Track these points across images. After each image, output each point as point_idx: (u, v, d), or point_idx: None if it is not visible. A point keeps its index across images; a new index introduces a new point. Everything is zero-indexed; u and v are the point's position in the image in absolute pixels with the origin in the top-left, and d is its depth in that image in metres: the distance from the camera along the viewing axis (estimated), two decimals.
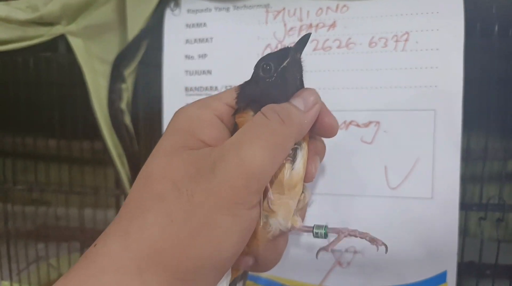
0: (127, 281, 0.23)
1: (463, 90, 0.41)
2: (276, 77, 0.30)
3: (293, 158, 0.29)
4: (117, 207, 0.62)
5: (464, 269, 0.45)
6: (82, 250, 0.64)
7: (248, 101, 0.30)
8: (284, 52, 0.30)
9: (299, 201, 0.31)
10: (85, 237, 0.64)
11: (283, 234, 0.31)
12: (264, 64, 0.30)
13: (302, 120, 0.28)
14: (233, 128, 0.30)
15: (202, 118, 0.29)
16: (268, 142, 0.25)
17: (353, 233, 0.31)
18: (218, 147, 0.26)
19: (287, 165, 0.29)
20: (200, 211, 0.24)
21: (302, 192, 0.31)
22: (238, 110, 0.30)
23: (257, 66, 0.31)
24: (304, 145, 0.30)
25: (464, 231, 0.45)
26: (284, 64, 0.30)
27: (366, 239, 0.31)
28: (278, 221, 0.29)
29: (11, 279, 0.66)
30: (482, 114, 0.43)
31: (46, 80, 0.62)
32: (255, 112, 0.28)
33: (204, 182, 0.24)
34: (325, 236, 0.31)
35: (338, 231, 0.31)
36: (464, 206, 0.45)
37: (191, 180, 0.25)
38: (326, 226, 0.31)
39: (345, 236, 0.31)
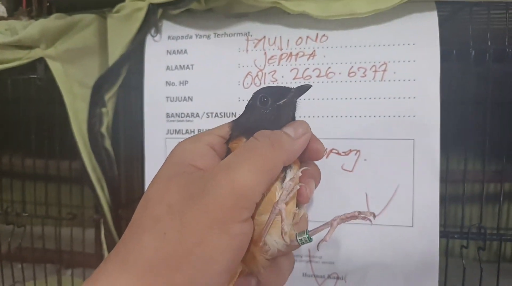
0: None
1: (440, 118, 0.42)
2: (271, 111, 0.32)
3: (283, 178, 0.30)
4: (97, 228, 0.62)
5: None
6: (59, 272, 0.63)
7: (241, 130, 0.32)
8: (283, 91, 0.32)
9: (294, 215, 0.31)
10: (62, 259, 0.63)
11: (284, 255, 0.32)
12: (262, 96, 0.32)
13: (291, 146, 0.30)
14: (226, 155, 0.31)
15: (195, 150, 0.31)
16: (257, 164, 0.27)
17: (344, 218, 0.32)
18: (210, 170, 0.28)
19: (277, 185, 0.30)
20: (192, 230, 0.25)
21: (297, 207, 0.32)
22: (231, 138, 0.32)
23: (255, 96, 0.33)
24: (294, 167, 0.31)
25: (446, 258, 0.46)
26: (281, 102, 0.32)
27: (358, 217, 0.32)
28: (274, 240, 0.29)
29: None
30: (460, 139, 0.44)
31: (24, 98, 0.61)
32: (248, 139, 0.30)
33: (196, 202, 0.26)
34: (309, 239, 0.31)
35: (329, 224, 0.32)
36: (446, 233, 0.45)
37: (184, 201, 0.26)
38: (307, 230, 0.31)
39: (339, 224, 0.32)
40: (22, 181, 0.65)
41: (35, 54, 0.58)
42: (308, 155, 0.33)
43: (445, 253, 0.46)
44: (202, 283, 0.25)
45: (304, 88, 0.32)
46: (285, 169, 0.30)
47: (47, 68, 0.57)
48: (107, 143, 0.57)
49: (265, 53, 0.47)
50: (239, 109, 0.35)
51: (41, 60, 0.58)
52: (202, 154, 0.31)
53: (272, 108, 0.32)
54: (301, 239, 0.31)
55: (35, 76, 0.59)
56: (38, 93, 0.60)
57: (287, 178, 0.30)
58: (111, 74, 0.53)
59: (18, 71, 0.59)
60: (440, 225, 0.43)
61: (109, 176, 0.56)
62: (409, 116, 0.43)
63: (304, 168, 0.31)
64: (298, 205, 0.32)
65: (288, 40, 0.46)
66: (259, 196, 0.27)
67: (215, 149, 0.32)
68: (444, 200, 0.45)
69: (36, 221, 0.64)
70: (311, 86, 0.32)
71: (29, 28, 0.57)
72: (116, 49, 0.53)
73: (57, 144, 0.60)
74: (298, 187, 0.30)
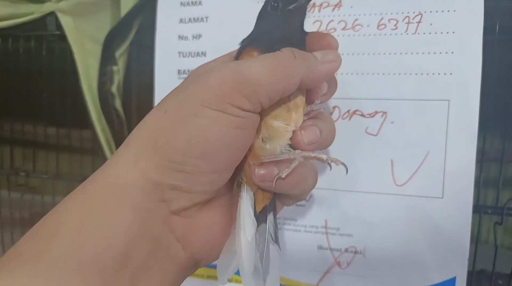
0: (126, 170, 0.25)
1: (482, 78, 0.37)
2: (281, 16, 0.30)
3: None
4: None
5: (475, 277, 0.41)
6: None
7: (251, 40, 0.31)
8: None
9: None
10: None
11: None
12: (273, 2, 0.30)
13: (315, 65, 0.28)
14: None
15: (209, 65, 0.31)
16: (273, 63, 0.26)
17: (307, 157, 0.28)
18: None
19: (299, 97, 0.29)
20: (191, 102, 0.25)
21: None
22: (240, 51, 0.31)
23: (266, 2, 0.31)
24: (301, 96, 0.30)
25: (476, 236, 0.41)
26: (291, 7, 0.30)
27: (325, 161, 0.29)
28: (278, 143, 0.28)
29: None
30: (500, 111, 0.39)
31: (35, 59, 0.59)
32: (256, 45, 0.30)
33: (199, 78, 0.26)
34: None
35: (291, 158, 0.28)
36: (478, 208, 0.41)
37: (190, 81, 0.27)
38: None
39: (299, 161, 0.28)
40: (33, 149, 0.63)
41: (47, 8, 0.56)
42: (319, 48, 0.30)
43: (477, 229, 0.42)
44: (198, 151, 0.25)
45: None
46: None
47: (58, 24, 0.55)
48: (118, 104, 0.55)
49: None
50: None
51: (52, 16, 0.56)
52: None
53: (282, 13, 0.30)
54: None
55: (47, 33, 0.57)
56: (50, 51, 0.58)
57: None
58: (123, 28, 0.51)
59: (30, 27, 0.57)
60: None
61: (119, 138, 0.54)
62: (445, 73, 0.38)
63: (312, 108, 0.30)
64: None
65: None
66: (265, 96, 0.26)
67: None
68: (480, 171, 0.40)
69: (47, 185, 0.62)
70: None
71: None
72: (128, 1, 0.50)
73: (69, 110, 0.58)
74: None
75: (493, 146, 0.42)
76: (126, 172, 0.25)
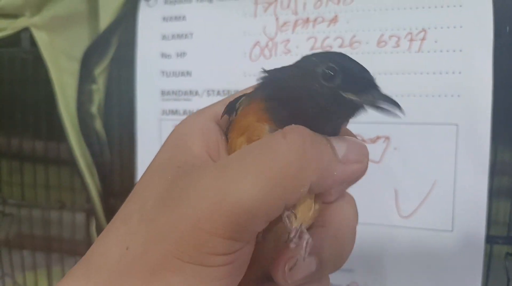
0: None
1: (493, 100, 0.34)
2: (329, 94, 0.20)
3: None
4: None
5: None
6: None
7: (271, 88, 0.22)
8: (365, 80, 0.20)
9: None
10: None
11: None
12: (332, 67, 0.20)
13: (331, 168, 0.20)
14: (227, 129, 0.23)
15: (195, 126, 0.23)
16: (269, 179, 0.18)
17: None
18: (200, 167, 0.21)
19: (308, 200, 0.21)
20: (158, 248, 0.19)
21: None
22: (241, 100, 0.22)
23: (321, 59, 0.21)
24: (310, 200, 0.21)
25: (488, 268, 0.38)
26: (353, 97, 0.20)
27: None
28: None
29: None
30: None
31: (9, 77, 0.55)
32: (269, 107, 0.21)
33: (170, 209, 0.19)
34: None
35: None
36: (489, 238, 0.38)
37: (159, 204, 0.20)
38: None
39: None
40: (8, 163, 0.59)
41: (20, 23, 0.52)
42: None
43: (488, 261, 0.39)
44: None
45: (391, 104, 0.20)
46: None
47: (33, 40, 0.51)
48: (98, 125, 0.51)
49: (276, 18, 0.40)
50: (245, 86, 0.25)
51: (27, 31, 0.52)
52: (203, 133, 0.23)
53: (333, 91, 0.20)
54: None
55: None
56: (24, 68, 0.54)
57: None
58: (101, 44, 0.47)
59: (3, 44, 0.54)
60: None
61: (100, 162, 0.51)
62: (452, 95, 0.35)
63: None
64: None
65: (304, 3, 0.39)
66: (262, 225, 0.19)
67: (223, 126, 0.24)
68: (490, 199, 0.37)
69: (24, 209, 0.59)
70: (400, 110, 0.20)
71: None
72: (106, 15, 0.46)
73: (45, 125, 0.54)
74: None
75: (507, 169, 0.38)
76: None
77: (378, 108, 0.20)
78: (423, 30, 0.36)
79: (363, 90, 0.20)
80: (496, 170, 0.36)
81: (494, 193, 0.37)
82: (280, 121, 0.20)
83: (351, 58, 0.21)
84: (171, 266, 0.18)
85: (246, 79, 0.40)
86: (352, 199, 0.24)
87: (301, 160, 0.18)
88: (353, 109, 0.20)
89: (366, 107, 0.20)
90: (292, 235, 0.19)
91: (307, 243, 0.19)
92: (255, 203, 0.18)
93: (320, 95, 0.20)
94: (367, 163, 0.21)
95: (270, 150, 0.19)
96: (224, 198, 0.18)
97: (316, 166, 0.19)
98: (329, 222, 0.22)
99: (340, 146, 0.20)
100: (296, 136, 0.19)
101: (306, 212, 0.21)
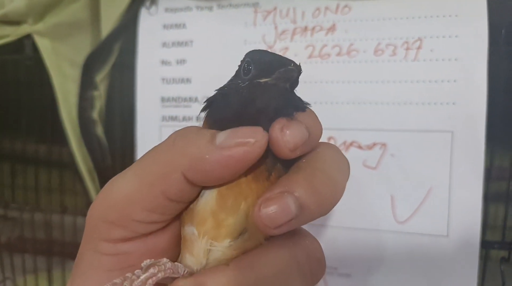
0: None
1: (487, 108, 0.34)
2: (246, 88, 0.22)
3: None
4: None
5: None
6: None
7: (214, 101, 0.24)
8: (278, 65, 0.21)
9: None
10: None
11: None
12: (248, 61, 0.22)
13: (202, 153, 0.20)
14: None
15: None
16: (144, 169, 0.21)
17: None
18: None
19: (209, 193, 0.21)
20: (80, 247, 0.23)
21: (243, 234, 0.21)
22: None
23: (244, 58, 0.23)
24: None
25: (483, 273, 0.39)
26: (262, 81, 0.21)
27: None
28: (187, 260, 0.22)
29: None
30: (509, 136, 0.37)
31: (12, 81, 0.56)
32: (209, 114, 0.23)
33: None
34: None
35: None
36: (484, 244, 0.38)
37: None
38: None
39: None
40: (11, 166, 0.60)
41: (23, 30, 0.53)
42: (275, 152, 0.21)
43: (483, 265, 0.39)
44: None
45: (287, 73, 0.21)
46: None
47: (35, 47, 0.52)
48: (99, 130, 0.52)
49: (275, 27, 0.40)
50: None
51: (29, 38, 0.53)
52: None
53: (251, 81, 0.22)
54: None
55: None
56: (27, 74, 0.55)
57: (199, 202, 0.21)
58: (103, 50, 0.48)
59: (5, 50, 0.54)
60: None
61: (101, 167, 0.51)
62: (447, 103, 0.35)
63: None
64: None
65: (303, 12, 0.39)
66: (140, 212, 0.21)
67: None
68: (485, 204, 0.37)
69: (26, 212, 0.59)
70: (300, 72, 0.22)
71: (15, 1, 0.52)
72: (108, 23, 0.47)
73: (48, 131, 0.55)
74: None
75: (502, 175, 0.39)
76: None
77: (285, 78, 0.21)
78: (419, 39, 0.36)
79: (274, 72, 0.21)
80: (491, 176, 0.37)
81: (489, 199, 0.38)
82: (215, 125, 0.22)
83: (267, 51, 0.24)
84: (80, 256, 0.22)
85: None
86: (334, 147, 0.25)
87: (170, 149, 0.20)
88: (273, 91, 0.21)
89: (278, 83, 0.21)
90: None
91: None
92: (132, 191, 0.20)
93: (242, 89, 0.22)
94: (259, 146, 0.19)
95: (153, 149, 0.21)
96: (109, 194, 0.21)
97: (183, 152, 0.20)
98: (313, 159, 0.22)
99: (221, 134, 0.20)
100: (172, 133, 0.21)
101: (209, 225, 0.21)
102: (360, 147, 0.38)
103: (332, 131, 0.38)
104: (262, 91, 0.21)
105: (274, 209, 0.19)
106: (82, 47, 0.51)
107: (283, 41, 0.40)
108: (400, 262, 0.37)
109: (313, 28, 0.39)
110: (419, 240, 0.37)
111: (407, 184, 0.37)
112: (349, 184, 0.38)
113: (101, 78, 0.50)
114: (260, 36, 0.40)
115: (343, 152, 0.37)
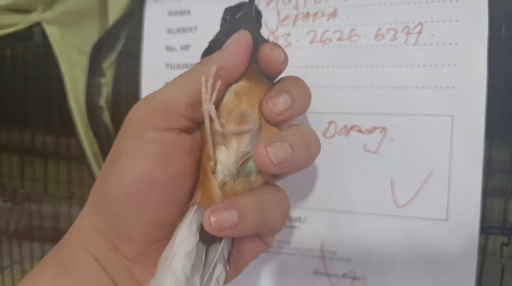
0: (83, 223, 0.27)
1: (487, 92, 0.34)
2: (229, 25, 0.30)
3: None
4: None
5: None
6: None
7: (204, 51, 0.31)
8: (240, 6, 0.31)
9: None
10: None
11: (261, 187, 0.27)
12: (224, 14, 0.31)
13: (219, 57, 0.26)
14: None
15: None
16: (181, 79, 0.26)
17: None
18: None
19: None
20: (116, 144, 0.27)
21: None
22: None
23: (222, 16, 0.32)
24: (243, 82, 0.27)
25: (482, 257, 0.39)
26: (237, 15, 0.30)
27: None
28: (222, 158, 0.26)
29: None
30: (509, 123, 0.37)
31: (22, 70, 0.57)
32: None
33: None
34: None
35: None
36: (484, 229, 0.38)
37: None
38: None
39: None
40: (20, 157, 0.61)
41: (32, 18, 0.54)
42: (262, 66, 0.28)
43: (482, 251, 0.39)
44: (123, 192, 0.25)
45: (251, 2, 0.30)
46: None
47: (44, 34, 0.53)
48: (106, 117, 0.53)
49: (278, 13, 0.40)
50: None
51: (38, 26, 0.54)
52: None
53: (231, 23, 0.30)
54: (248, 163, 0.26)
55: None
56: (36, 61, 0.56)
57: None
58: (110, 38, 0.49)
59: (16, 38, 0.56)
60: None
61: (107, 153, 0.52)
62: (447, 87, 0.35)
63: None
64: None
65: None
66: (182, 106, 0.25)
67: None
68: (485, 189, 0.38)
69: (34, 199, 0.60)
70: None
71: None
72: (115, 10, 0.48)
73: (56, 118, 0.56)
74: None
75: (501, 160, 0.39)
76: (84, 224, 0.27)
77: (246, 14, 0.30)
78: (420, 23, 0.36)
79: (240, 9, 0.30)
80: (490, 159, 0.37)
81: (489, 184, 0.38)
82: None
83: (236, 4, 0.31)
84: (121, 147, 0.26)
85: None
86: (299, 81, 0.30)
87: (199, 66, 0.26)
88: (249, 20, 0.29)
89: (247, 11, 0.29)
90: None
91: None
92: (175, 91, 0.25)
93: (226, 26, 0.31)
94: (247, 33, 0.27)
95: (181, 74, 0.27)
96: (153, 97, 0.26)
97: (207, 63, 0.26)
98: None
99: (224, 45, 0.27)
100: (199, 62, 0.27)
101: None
102: (360, 131, 0.38)
103: (333, 115, 0.38)
104: (240, 21, 0.29)
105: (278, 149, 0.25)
106: (90, 34, 0.52)
107: (285, 27, 0.40)
108: (400, 246, 0.37)
109: (315, 14, 0.39)
110: (419, 224, 0.37)
111: (407, 168, 0.37)
112: (350, 168, 0.39)
113: (108, 65, 0.51)
114: (263, 21, 0.41)
115: (344, 136, 0.38)
